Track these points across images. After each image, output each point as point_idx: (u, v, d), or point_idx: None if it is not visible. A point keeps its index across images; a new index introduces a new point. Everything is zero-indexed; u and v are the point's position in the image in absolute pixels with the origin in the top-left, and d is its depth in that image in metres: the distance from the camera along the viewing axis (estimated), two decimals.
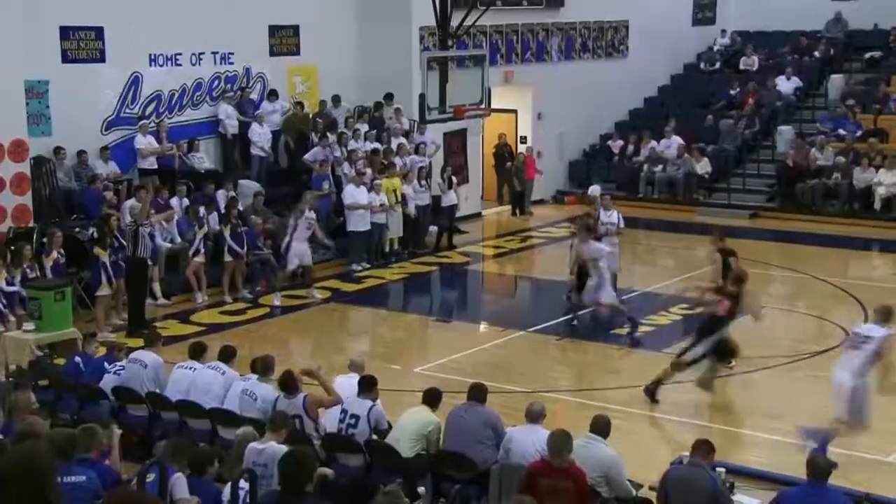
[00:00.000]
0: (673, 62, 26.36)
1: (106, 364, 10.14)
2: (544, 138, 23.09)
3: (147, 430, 9.32)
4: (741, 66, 25.58)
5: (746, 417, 11.01)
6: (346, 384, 9.02)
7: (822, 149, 21.52)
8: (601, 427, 7.67)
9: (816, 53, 25.19)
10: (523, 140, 23.34)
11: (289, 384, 8.65)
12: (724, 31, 26.97)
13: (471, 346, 13.45)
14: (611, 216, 14.99)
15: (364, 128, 19.32)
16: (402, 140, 19.42)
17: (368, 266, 17.26)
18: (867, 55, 24.56)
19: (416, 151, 19.27)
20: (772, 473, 8.90)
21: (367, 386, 8.67)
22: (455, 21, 19.38)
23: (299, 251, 15.44)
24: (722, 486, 7.31)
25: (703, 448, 7.28)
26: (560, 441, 7.11)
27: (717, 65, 26.18)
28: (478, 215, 21.77)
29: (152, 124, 17.13)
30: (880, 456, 9.71)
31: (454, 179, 19.54)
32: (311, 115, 19.10)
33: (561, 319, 14.39)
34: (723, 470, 7.84)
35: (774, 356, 12.44)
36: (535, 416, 8.04)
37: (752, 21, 26.23)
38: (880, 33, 24.83)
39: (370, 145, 18.93)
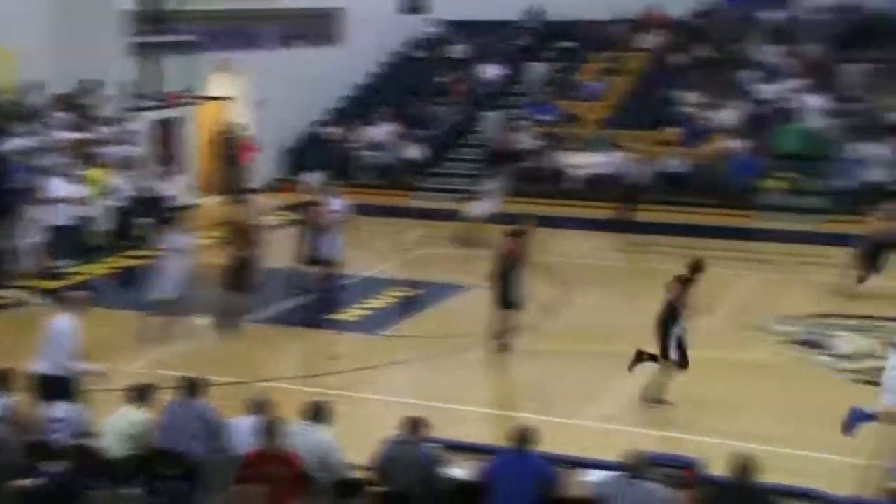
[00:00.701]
0: (385, 50, 26.83)
1: None
2: (261, 126, 22.83)
3: None
4: (450, 54, 26.45)
5: (460, 393, 11.39)
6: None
7: (525, 133, 22.72)
8: (315, 413, 7.71)
9: (519, 42, 26.47)
10: (239, 128, 22.98)
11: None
12: (432, 20, 27.74)
13: (187, 340, 13.11)
14: (336, 204, 15.14)
15: (68, 116, 18.30)
16: (110, 129, 18.59)
17: (74, 262, 16.40)
18: (562, 45, 26.09)
19: (125, 141, 18.50)
20: (485, 445, 9.26)
21: (68, 389, 8.25)
22: (166, 6, 18.75)
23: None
24: (433, 460, 7.54)
25: (413, 425, 7.50)
26: (272, 429, 7.11)
27: (428, 53, 26.93)
28: (193, 205, 21.18)
29: None
30: (578, 420, 10.40)
31: (167, 169, 18.95)
32: (7, 103, 17.84)
33: (281, 307, 14.32)
34: (437, 445, 8.07)
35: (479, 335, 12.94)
36: (255, 407, 7.96)
37: (460, 10, 27.08)
38: (575, 24, 26.39)
39: (74, 135, 17.96)
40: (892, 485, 7.52)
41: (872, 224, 15.12)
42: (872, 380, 11.47)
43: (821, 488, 7.64)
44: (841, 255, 15.65)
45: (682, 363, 10.55)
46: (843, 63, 23.19)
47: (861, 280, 14.83)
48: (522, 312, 12.42)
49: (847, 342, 12.90)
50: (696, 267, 10.70)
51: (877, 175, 20.09)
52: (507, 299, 12.27)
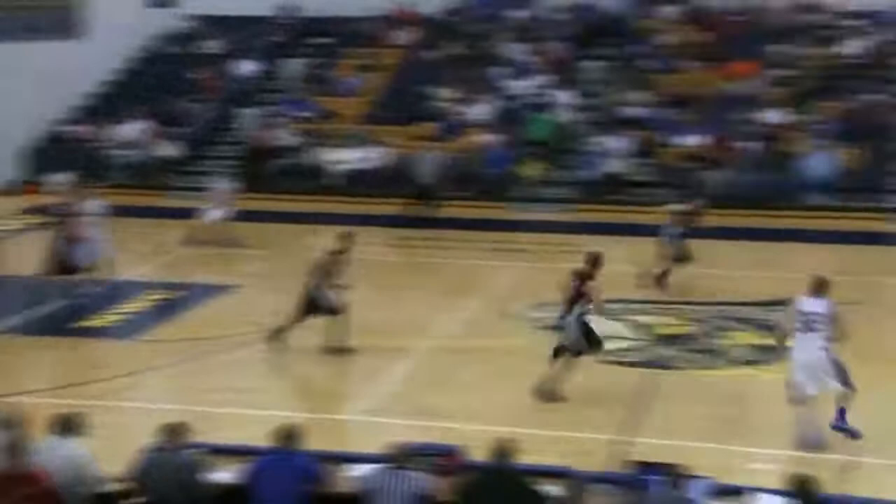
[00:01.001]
0: (133, 45, 25.88)
1: None
2: None
3: None
4: (203, 50, 25.86)
5: (223, 396, 11.16)
6: None
7: (283, 130, 22.58)
8: (65, 426, 7.35)
9: (274, 38, 26.23)
10: None
11: None
12: (183, 14, 27.02)
13: None
14: (90, 206, 14.62)
15: None
16: None
17: None
18: (317, 41, 26.08)
19: None
20: (250, 447, 9.13)
21: None
22: None
23: None
24: (194, 466, 7.37)
25: (173, 431, 7.31)
26: (15, 446, 6.73)
27: (180, 48, 26.21)
28: None
29: None
30: (343, 415, 10.47)
31: None
32: None
33: (27, 316, 13.56)
34: (200, 450, 7.89)
35: (248, 333, 12.76)
36: (1, 424, 7.48)
37: (212, 5, 26.52)
38: (330, 20, 26.44)
39: None
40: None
41: (671, 215, 15.65)
42: (617, 360, 12.22)
43: (573, 466, 8.03)
44: (588, 243, 16.38)
45: (594, 346, 10.79)
46: (582, 60, 24.48)
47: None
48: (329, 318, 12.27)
49: (595, 325, 13.57)
50: (595, 261, 10.81)
51: (616, 166, 21.34)
52: (313, 307, 12.16)
